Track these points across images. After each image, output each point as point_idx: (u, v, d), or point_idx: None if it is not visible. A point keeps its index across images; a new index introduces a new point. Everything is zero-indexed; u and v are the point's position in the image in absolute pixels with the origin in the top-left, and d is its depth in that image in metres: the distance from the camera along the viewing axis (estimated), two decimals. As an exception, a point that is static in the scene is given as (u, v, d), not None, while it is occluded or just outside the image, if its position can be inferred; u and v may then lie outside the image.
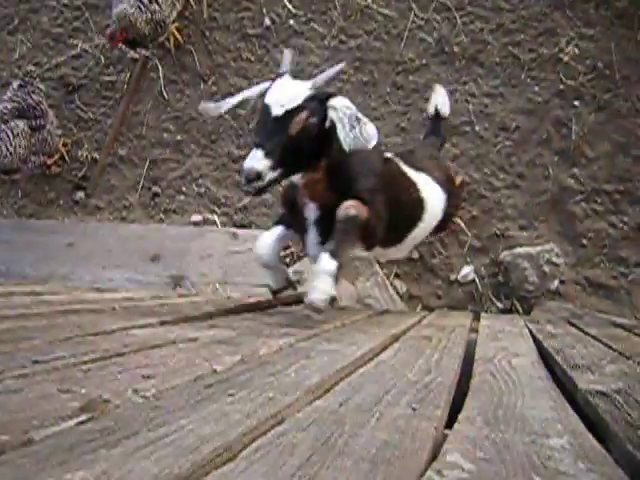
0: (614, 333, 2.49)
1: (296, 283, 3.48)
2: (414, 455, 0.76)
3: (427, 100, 3.66)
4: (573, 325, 2.78)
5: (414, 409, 1.00)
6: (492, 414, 1.05)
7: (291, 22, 4.08)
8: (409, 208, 2.60)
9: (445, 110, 3.33)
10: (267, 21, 4.01)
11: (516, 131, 3.73)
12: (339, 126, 2.01)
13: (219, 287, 3.73)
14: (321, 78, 2.05)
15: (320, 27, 4.04)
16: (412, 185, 2.57)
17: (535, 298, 3.57)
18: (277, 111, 1.98)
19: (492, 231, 3.69)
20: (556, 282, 3.59)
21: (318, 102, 2.02)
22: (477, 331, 2.40)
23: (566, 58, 3.66)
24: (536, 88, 3.69)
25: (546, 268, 3.58)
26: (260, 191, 1.98)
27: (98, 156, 4.31)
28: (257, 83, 3.66)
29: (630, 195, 3.55)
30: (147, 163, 4.23)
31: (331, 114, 2.04)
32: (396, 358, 1.58)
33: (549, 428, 0.96)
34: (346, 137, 2.01)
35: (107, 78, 4.40)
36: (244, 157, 3.71)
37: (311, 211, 2.24)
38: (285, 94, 2.00)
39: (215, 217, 4.03)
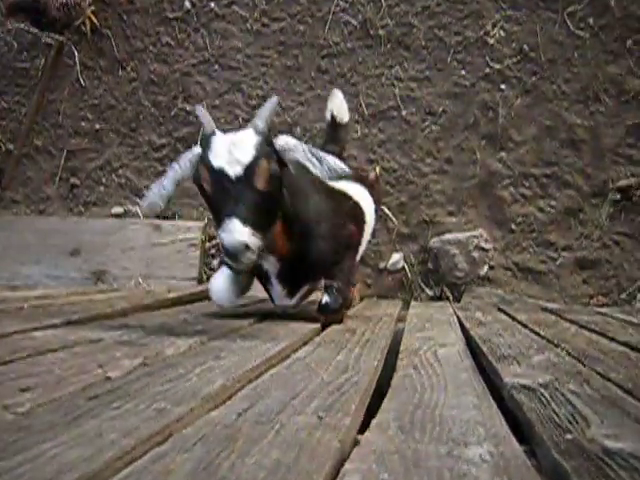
0: (542, 319, 2.46)
1: None
2: (309, 479, 0.64)
3: (353, 85, 3.54)
4: (502, 311, 2.75)
5: (320, 417, 0.89)
6: (409, 417, 0.94)
7: (212, 5, 3.91)
8: (355, 220, 2.45)
9: (342, 116, 3.03)
10: (187, 4, 3.90)
11: (443, 115, 3.65)
12: (309, 164, 1.82)
13: (142, 281, 3.59)
14: (260, 119, 1.82)
15: (242, 10, 3.89)
16: (345, 195, 2.43)
17: (465, 284, 3.52)
18: (234, 171, 1.72)
19: (421, 217, 3.62)
20: (485, 268, 3.55)
21: (268, 146, 1.80)
22: (405, 320, 2.33)
23: (492, 41, 3.60)
24: (462, 72, 3.61)
25: (475, 254, 3.54)
26: (253, 264, 1.75)
27: (13, 147, 4.11)
28: (178, 70, 3.66)
29: (557, 179, 3.52)
30: (64, 153, 4.00)
31: (290, 156, 1.83)
32: (313, 355, 1.47)
33: (469, 433, 0.86)
34: (322, 172, 1.83)
35: (20, 64, 4.14)
36: (166, 146, 3.83)
37: (271, 265, 2.08)
38: (234, 149, 1.74)
39: (137, 208, 3.82)
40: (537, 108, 3.56)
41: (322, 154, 1.82)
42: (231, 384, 1.10)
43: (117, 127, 3.98)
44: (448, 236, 3.56)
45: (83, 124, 4.04)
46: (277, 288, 2.12)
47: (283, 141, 1.83)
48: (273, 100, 1.89)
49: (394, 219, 3.60)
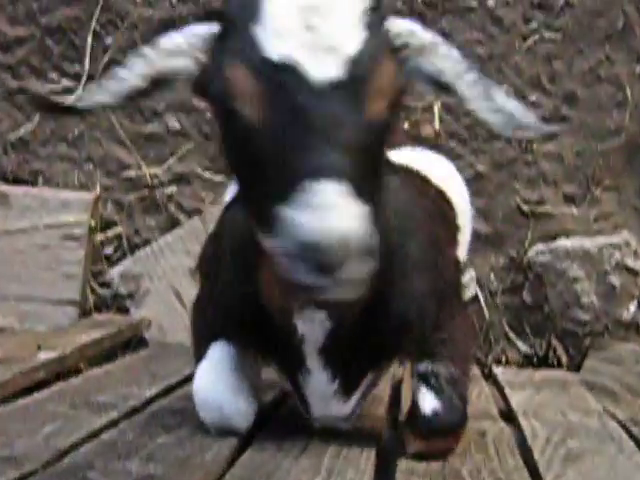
0: None
1: (127, 299, 2.83)
2: None
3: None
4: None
5: None
6: None
7: None
8: (448, 230, 1.82)
9: None
10: None
11: (564, 12, 2.69)
12: (468, 94, 1.23)
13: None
14: None
15: None
16: (424, 179, 1.80)
17: (592, 335, 2.64)
18: (328, 69, 1.10)
19: (513, 203, 2.74)
20: (632, 306, 2.66)
21: (382, 26, 1.23)
22: (511, 419, 1.87)
23: None
24: None
25: (614, 278, 2.64)
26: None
27: None
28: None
29: None
30: None
31: (425, 65, 1.23)
32: None
33: None
34: (498, 119, 1.22)
35: None
36: (24, 40, 3.20)
37: (315, 324, 1.40)
38: (319, 21, 1.11)
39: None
40: None
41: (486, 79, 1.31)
42: None
43: None
44: (564, 243, 2.71)
45: None
46: (319, 378, 1.48)
47: (404, 27, 1.25)
48: None
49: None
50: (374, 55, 1.16)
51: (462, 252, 2.09)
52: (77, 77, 2.95)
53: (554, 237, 2.73)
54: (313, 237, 1.03)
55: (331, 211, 1.04)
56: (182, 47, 1.25)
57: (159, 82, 1.25)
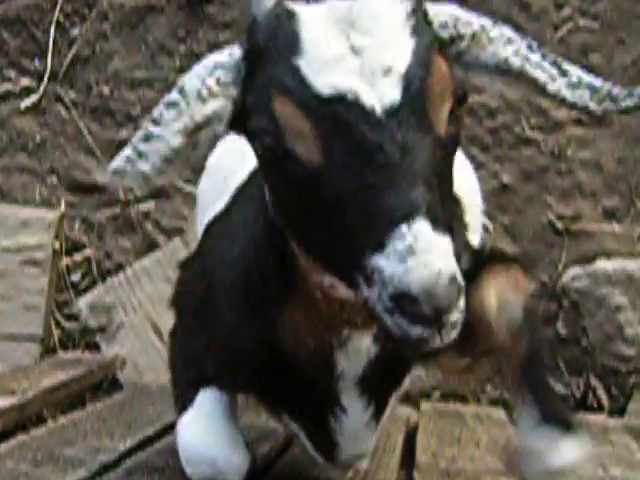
0: None
1: (97, 333, 2.71)
2: None
3: None
4: None
5: None
6: None
7: None
8: None
9: None
10: None
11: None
12: (540, 74, 1.11)
13: None
14: None
15: None
16: None
17: (638, 373, 2.52)
18: (387, 94, 1.03)
19: (542, 219, 2.63)
20: None
21: (428, 24, 1.15)
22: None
23: None
24: None
25: None
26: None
27: None
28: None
29: None
30: None
31: (481, 54, 1.15)
32: None
33: None
34: (578, 94, 1.10)
35: None
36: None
37: (362, 354, 1.37)
38: (373, 40, 1.06)
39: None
40: None
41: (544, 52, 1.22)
42: None
43: None
44: (603, 264, 2.58)
45: None
46: (354, 410, 1.42)
47: (447, 14, 1.17)
48: None
49: (488, 223, 2.51)
50: (426, 63, 1.07)
51: None
52: (38, 75, 2.83)
53: (592, 259, 2.61)
54: (420, 286, 0.95)
55: (431, 254, 0.96)
56: (213, 88, 1.14)
57: (196, 130, 1.16)
